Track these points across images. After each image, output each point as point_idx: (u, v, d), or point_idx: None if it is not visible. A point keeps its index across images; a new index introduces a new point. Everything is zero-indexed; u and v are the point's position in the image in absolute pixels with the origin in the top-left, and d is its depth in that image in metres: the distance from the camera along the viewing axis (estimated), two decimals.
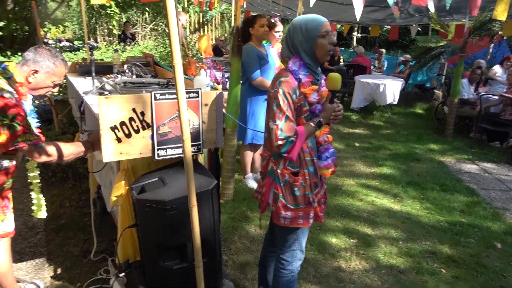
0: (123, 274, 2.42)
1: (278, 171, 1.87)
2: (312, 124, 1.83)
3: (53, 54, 1.97)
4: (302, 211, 1.88)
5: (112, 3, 8.60)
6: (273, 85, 1.82)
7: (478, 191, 4.43)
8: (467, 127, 6.93)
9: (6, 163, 1.88)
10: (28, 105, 2.02)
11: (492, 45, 9.49)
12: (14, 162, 1.94)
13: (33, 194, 2.31)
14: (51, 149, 1.86)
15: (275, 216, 1.92)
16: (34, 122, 2.03)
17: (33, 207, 2.34)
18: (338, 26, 12.54)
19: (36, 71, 1.93)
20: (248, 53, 3.56)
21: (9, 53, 7.38)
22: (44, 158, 1.86)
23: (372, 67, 9.92)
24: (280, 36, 3.99)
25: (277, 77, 1.82)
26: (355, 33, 13.76)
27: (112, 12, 8.36)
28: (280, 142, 1.74)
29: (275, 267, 2.11)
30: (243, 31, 3.66)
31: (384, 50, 10.71)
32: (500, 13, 4.68)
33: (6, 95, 1.77)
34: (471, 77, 6.83)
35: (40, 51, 1.95)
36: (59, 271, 2.71)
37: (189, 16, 13.32)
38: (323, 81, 1.95)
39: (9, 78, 1.87)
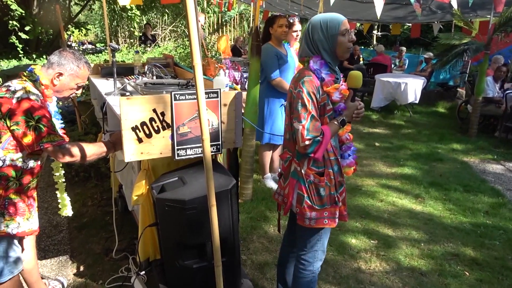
0: (143, 272, 2.47)
1: (302, 171, 1.85)
2: (336, 122, 1.82)
3: (77, 57, 2.01)
4: (327, 211, 1.86)
5: (133, 5, 8.76)
6: (295, 85, 1.80)
7: (503, 192, 4.30)
8: (492, 126, 6.73)
9: (31, 163, 1.94)
10: (53, 106, 2.06)
11: None
12: (39, 162, 1.99)
13: (58, 193, 2.38)
14: (74, 149, 1.91)
15: (299, 217, 1.89)
16: (58, 123, 2.08)
17: (59, 206, 2.41)
18: (358, 24, 12.39)
19: (61, 74, 1.98)
20: (267, 53, 3.57)
21: (34, 56, 7.62)
22: (67, 159, 1.90)
23: (393, 65, 9.77)
24: (297, 35, 3.97)
25: (299, 77, 1.80)
26: (375, 32, 13.58)
27: (133, 15, 8.52)
28: (307, 142, 1.72)
29: (295, 267, 2.10)
30: (263, 31, 3.67)
31: (404, 48, 10.52)
32: None
33: (32, 97, 1.82)
34: (496, 74, 6.64)
35: (64, 54, 2.00)
36: (81, 268, 2.77)
37: (208, 16, 13.42)
38: (342, 79, 1.95)
39: (35, 81, 1.93)
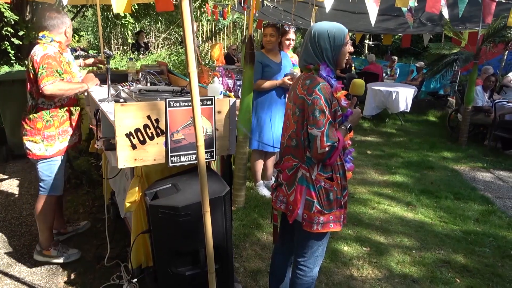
0: (135, 279, 2.44)
1: (313, 177, 1.85)
2: (344, 128, 1.87)
3: (63, 13, 2.70)
4: (333, 215, 1.87)
5: (127, 13, 8.77)
6: (309, 91, 1.79)
7: (493, 199, 4.35)
8: (482, 135, 6.83)
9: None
10: (68, 55, 2.79)
11: (507, 52, 9.37)
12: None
13: None
14: (61, 85, 2.52)
15: (306, 224, 1.87)
16: (75, 66, 2.88)
17: None
18: (350, 34, 12.55)
19: (68, 27, 2.69)
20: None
21: (26, 62, 7.53)
22: (58, 93, 2.51)
23: (384, 74, 9.88)
24: (289, 44, 4.02)
25: (312, 84, 1.80)
26: (367, 41, 13.75)
27: (127, 22, 8.51)
28: (327, 149, 1.73)
29: (293, 274, 2.09)
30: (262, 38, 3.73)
31: (396, 58, 10.67)
32: None
33: (49, 51, 2.52)
34: (485, 84, 6.76)
35: (56, 15, 2.64)
36: (72, 276, 2.74)
37: (201, 25, 13.48)
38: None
39: (52, 41, 2.60)
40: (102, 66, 3.62)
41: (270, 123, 3.78)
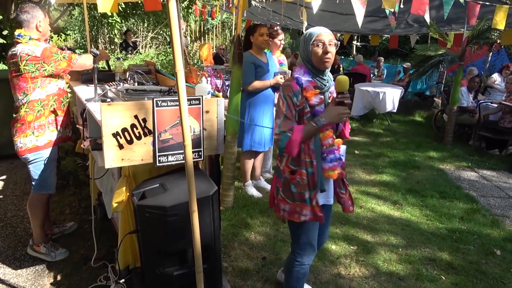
0: (123, 280, 2.43)
1: (281, 167, 2.08)
2: (312, 123, 1.94)
3: (34, 6, 2.60)
4: (299, 207, 2.04)
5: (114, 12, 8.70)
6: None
7: (477, 198, 4.44)
8: (466, 135, 6.95)
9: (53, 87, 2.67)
10: None
11: (491, 53, 9.56)
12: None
13: None
14: (85, 58, 2.71)
15: (276, 208, 2.12)
16: None
17: None
18: (339, 35, 12.63)
19: (40, 21, 2.59)
20: (245, 61, 3.60)
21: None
22: (86, 65, 2.73)
23: (371, 75, 9.98)
24: (281, 44, 4.05)
25: (283, 84, 2.04)
26: (354, 42, 13.86)
27: (114, 21, 8.43)
28: (276, 137, 1.96)
29: (287, 258, 2.32)
30: (245, 39, 3.71)
31: (382, 58, 10.78)
32: (499, 22, 4.74)
33: (45, 45, 2.54)
34: (470, 85, 6.88)
35: (27, 9, 2.56)
36: (59, 277, 2.71)
37: (189, 25, 13.42)
38: (332, 86, 2.09)
39: (30, 39, 2.55)
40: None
41: (262, 123, 3.79)
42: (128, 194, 2.16)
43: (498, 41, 7.67)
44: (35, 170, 2.71)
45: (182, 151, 1.69)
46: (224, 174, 3.64)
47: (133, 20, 12.65)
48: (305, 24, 4.77)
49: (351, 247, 3.21)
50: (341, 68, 10.51)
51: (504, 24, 4.76)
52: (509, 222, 3.87)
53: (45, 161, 2.71)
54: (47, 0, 3.66)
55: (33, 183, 2.75)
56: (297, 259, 2.19)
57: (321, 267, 2.91)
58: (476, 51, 8.58)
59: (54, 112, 2.72)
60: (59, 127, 2.76)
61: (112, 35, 12.27)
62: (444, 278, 2.88)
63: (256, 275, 2.78)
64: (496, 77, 7.54)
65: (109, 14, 7.91)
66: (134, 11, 9.08)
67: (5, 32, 6.19)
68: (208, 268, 2.06)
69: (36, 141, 2.65)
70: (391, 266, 2.99)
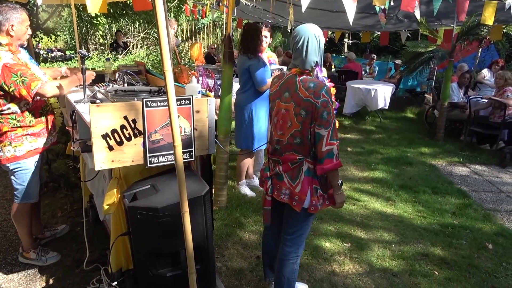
0: (115, 283, 2.41)
1: (313, 168, 2.09)
2: (339, 190, 2.15)
3: (13, 7, 2.41)
4: (323, 197, 2.16)
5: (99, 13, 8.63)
6: (316, 94, 1.94)
7: (469, 193, 4.47)
8: (458, 130, 7.01)
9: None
10: (23, 55, 2.54)
11: (481, 49, 9.63)
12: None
13: None
14: (54, 86, 2.43)
15: (315, 208, 2.11)
16: (34, 65, 2.61)
17: None
18: (330, 32, 12.66)
19: (12, 25, 2.39)
20: (260, 62, 3.59)
21: None
22: (53, 94, 2.43)
23: (363, 72, 10.01)
24: (266, 42, 4.02)
25: (317, 87, 1.95)
26: (346, 40, 13.90)
27: (98, 22, 8.36)
28: (333, 146, 1.97)
29: (281, 251, 2.28)
30: (255, 40, 3.64)
31: (375, 56, 10.82)
32: (488, 18, 4.78)
33: (6, 60, 2.28)
34: (461, 81, 6.93)
35: (1, 11, 2.37)
36: (51, 281, 2.68)
37: (179, 25, 13.35)
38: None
39: (0, 45, 2.35)
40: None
41: (266, 122, 3.80)
42: (119, 195, 2.14)
43: (487, 37, 7.73)
44: (16, 179, 2.63)
45: (173, 151, 1.67)
46: (216, 174, 3.62)
47: (123, 21, 12.58)
48: (290, 26, 4.67)
49: (345, 244, 3.22)
50: (332, 66, 10.53)
51: (493, 19, 4.80)
52: (500, 216, 3.91)
53: (26, 171, 2.61)
54: (35, 1, 3.59)
55: (15, 192, 2.67)
56: (295, 251, 2.25)
57: (315, 264, 2.91)
58: (466, 47, 8.64)
59: (32, 126, 2.58)
60: (39, 138, 2.64)
61: (97, 36, 12.17)
62: (437, 273, 2.90)
63: (250, 274, 2.77)
64: (486, 72, 7.60)
65: (95, 14, 7.84)
66: (124, 11, 9.02)
67: None
68: (202, 269, 2.05)
69: (14, 151, 2.54)
70: (385, 262, 3.00)
